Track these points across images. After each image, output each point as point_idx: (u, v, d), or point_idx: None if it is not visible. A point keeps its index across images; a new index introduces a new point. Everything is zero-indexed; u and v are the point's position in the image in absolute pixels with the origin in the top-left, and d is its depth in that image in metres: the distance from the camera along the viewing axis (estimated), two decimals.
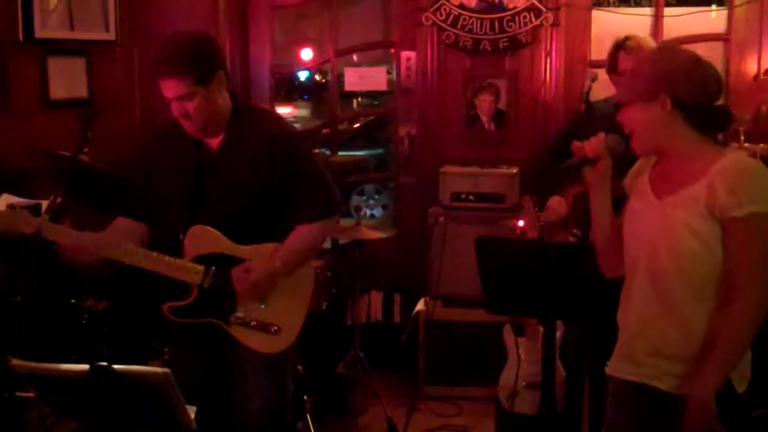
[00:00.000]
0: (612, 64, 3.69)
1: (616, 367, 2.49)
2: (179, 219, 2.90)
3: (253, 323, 2.91)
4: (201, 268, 2.88)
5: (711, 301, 2.27)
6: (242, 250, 2.90)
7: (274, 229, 2.96)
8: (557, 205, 3.76)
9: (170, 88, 2.79)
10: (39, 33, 4.54)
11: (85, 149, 3.15)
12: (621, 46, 3.65)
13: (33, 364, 2.11)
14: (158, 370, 2.05)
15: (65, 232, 2.82)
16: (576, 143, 2.50)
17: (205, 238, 2.89)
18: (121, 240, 2.89)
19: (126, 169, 3.24)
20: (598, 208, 2.54)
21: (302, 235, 2.97)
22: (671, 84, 2.28)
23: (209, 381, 2.97)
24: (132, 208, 3.04)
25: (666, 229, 2.30)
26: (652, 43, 3.71)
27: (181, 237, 2.88)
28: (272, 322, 2.93)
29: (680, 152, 2.34)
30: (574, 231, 3.78)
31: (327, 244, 5.33)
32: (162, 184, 2.97)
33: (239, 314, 2.91)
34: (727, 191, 2.20)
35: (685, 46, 4.65)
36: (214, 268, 2.88)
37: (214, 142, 2.94)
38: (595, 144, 2.47)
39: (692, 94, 2.28)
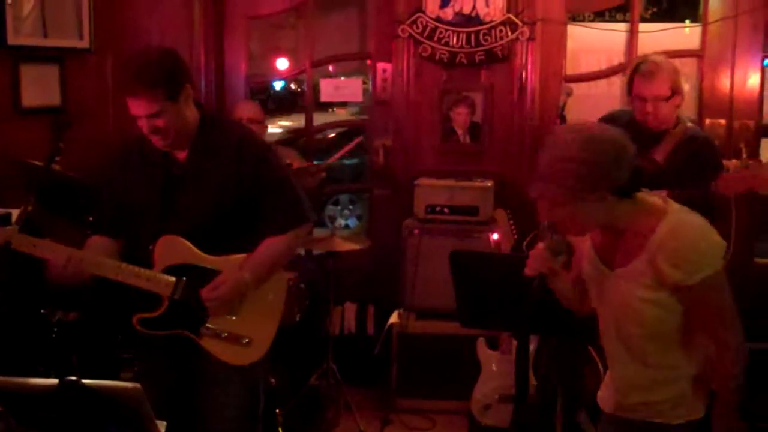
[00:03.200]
0: (629, 87, 3.71)
1: (605, 399, 2.57)
2: (150, 230, 2.91)
3: (225, 335, 2.90)
4: (172, 279, 2.87)
5: (685, 344, 2.35)
6: (212, 261, 2.91)
7: (244, 240, 2.95)
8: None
9: (139, 107, 2.77)
10: (12, 40, 4.50)
11: (58, 158, 3.12)
12: (636, 70, 3.66)
13: (1, 378, 2.07)
14: (128, 384, 2.02)
15: (34, 243, 2.81)
16: (526, 271, 2.50)
17: (175, 248, 2.89)
18: (94, 253, 2.89)
19: (96, 181, 3.21)
20: (560, 295, 2.61)
21: (271, 246, 2.96)
22: (608, 177, 2.22)
23: (178, 394, 2.95)
24: (105, 226, 3.03)
25: (624, 303, 2.34)
26: (668, 64, 3.66)
27: (151, 248, 2.88)
28: (243, 333, 2.92)
29: (619, 226, 2.33)
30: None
31: (301, 253, 5.32)
32: (131, 197, 2.96)
33: (210, 326, 2.90)
34: (672, 267, 2.21)
35: None
36: (184, 279, 2.88)
37: (182, 155, 2.94)
38: (534, 263, 2.49)
39: (625, 175, 2.23)
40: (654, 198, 2.34)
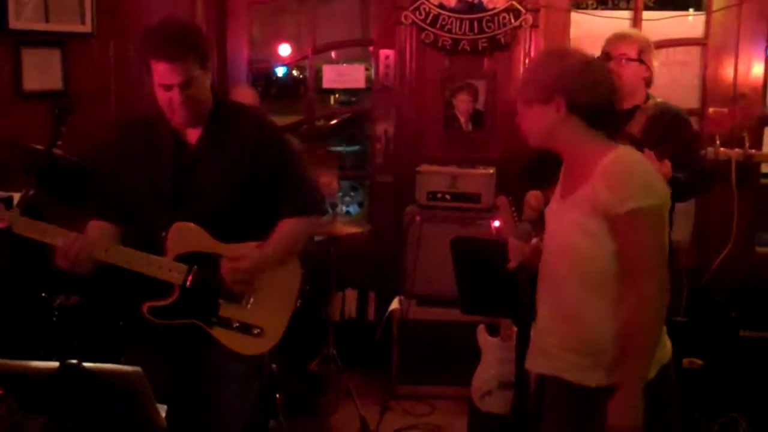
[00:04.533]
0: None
1: (531, 361, 2.60)
2: (161, 216, 2.79)
3: (236, 324, 2.83)
4: (184, 267, 2.78)
5: (610, 295, 2.34)
6: (225, 249, 2.80)
7: (255, 228, 2.86)
8: (534, 199, 3.71)
9: (174, 74, 2.64)
10: (13, 24, 4.50)
11: (59, 143, 3.10)
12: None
13: (1, 361, 2.08)
14: (129, 368, 2.03)
15: (43, 228, 2.71)
16: (510, 265, 2.68)
17: (188, 235, 2.79)
18: (102, 239, 2.78)
19: (95, 164, 3.10)
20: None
21: (290, 227, 2.90)
22: (565, 87, 2.34)
23: (173, 386, 2.83)
24: (106, 211, 2.88)
25: (560, 230, 2.42)
26: (641, 35, 3.80)
27: (164, 235, 2.77)
28: (255, 323, 2.84)
29: (574, 151, 2.42)
30: None
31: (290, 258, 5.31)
32: (139, 181, 2.83)
33: (222, 315, 2.82)
34: (607, 189, 2.28)
35: (660, 51, 4.70)
36: (196, 267, 2.79)
37: (194, 135, 2.83)
38: (514, 255, 2.66)
39: (584, 95, 2.34)
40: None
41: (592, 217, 2.31)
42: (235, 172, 2.81)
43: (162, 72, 2.65)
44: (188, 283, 2.78)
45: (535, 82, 2.41)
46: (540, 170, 3.87)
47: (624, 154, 2.36)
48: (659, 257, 2.30)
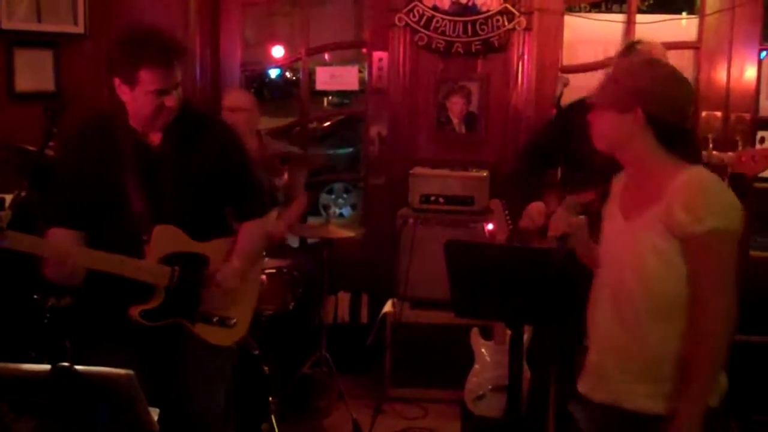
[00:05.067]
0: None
1: (588, 386, 2.48)
2: (139, 219, 2.82)
3: (215, 319, 2.95)
4: (168, 269, 2.84)
5: (678, 322, 2.26)
6: (200, 247, 2.93)
7: (217, 224, 3.04)
8: (536, 213, 3.67)
9: (169, 78, 2.74)
10: (5, 24, 4.49)
11: (51, 144, 3.08)
12: (631, 48, 3.65)
13: None
14: (121, 371, 2.01)
15: (35, 242, 2.66)
16: (549, 233, 2.62)
17: (168, 237, 2.86)
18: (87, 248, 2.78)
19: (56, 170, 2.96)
20: (582, 255, 2.62)
21: (253, 233, 3.08)
22: (648, 100, 2.28)
23: (150, 384, 2.84)
24: (67, 216, 2.84)
25: (631, 250, 2.32)
26: (661, 50, 3.66)
27: (145, 237, 2.82)
28: (230, 315, 2.98)
29: (644, 166, 2.35)
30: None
31: (295, 243, 5.31)
32: (105, 184, 2.83)
33: (204, 311, 2.93)
34: (684, 208, 2.20)
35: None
36: (178, 268, 2.86)
37: (156, 138, 2.88)
38: (560, 224, 2.59)
39: (666, 112, 2.28)
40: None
41: (664, 238, 2.23)
42: (200, 173, 2.91)
43: (158, 78, 2.72)
44: (172, 285, 2.86)
45: (619, 86, 2.34)
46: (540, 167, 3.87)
47: (701, 173, 2.29)
48: (729, 281, 2.24)
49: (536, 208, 3.66)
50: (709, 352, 2.22)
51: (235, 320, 2.98)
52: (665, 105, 2.28)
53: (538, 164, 3.96)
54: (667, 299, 2.26)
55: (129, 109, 2.82)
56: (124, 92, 2.78)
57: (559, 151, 3.79)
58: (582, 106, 3.10)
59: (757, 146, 3.57)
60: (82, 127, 2.96)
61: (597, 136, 2.40)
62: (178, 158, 2.88)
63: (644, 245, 2.27)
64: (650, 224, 2.27)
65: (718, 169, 4.66)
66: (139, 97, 2.76)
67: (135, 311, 2.83)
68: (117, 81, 2.78)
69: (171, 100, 2.76)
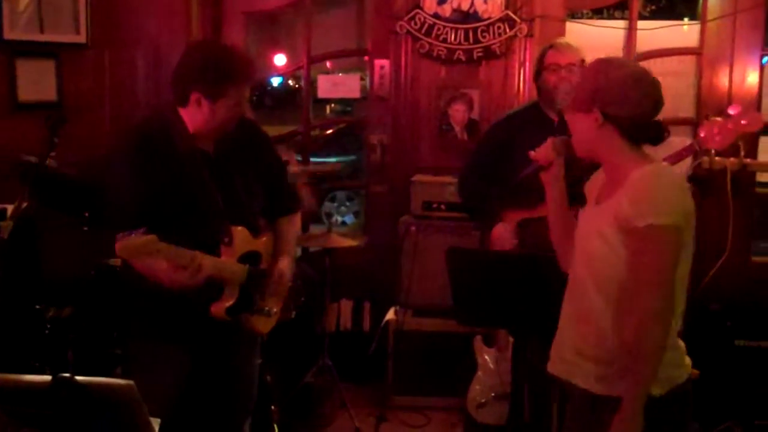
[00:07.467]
0: (537, 69, 3.79)
1: (550, 364, 2.60)
2: (217, 221, 2.93)
3: (265, 309, 3.13)
4: (246, 267, 3.02)
5: (619, 306, 2.35)
6: (258, 244, 3.10)
7: (260, 221, 3.19)
8: (506, 234, 3.67)
9: (248, 91, 2.93)
10: (7, 34, 4.50)
11: (52, 154, 3.10)
12: (550, 46, 3.76)
13: None
14: (122, 382, 2.01)
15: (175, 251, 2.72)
16: (531, 153, 2.71)
17: (243, 237, 3.01)
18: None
19: (109, 174, 2.91)
20: (552, 207, 2.72)
21: (290, 226, 3.27)
22: (604, 100, 2.37)
23: (197, 373, 3.01)
24: (140, 221, 2.72)
25: (585, 234, 2.45)
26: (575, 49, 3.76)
27: (227, 239, 2.94)
28: (272, 306, 3.16)
29: (611, 161, 2.44)
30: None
31: (297, 252, 5.31)
32: (178, 188, 2.87)
33: (264, 305, 3.11)
34: (630, 202, 2.29)
35: (655, 60, 4.71)
36: (248, 265, 3.03)
37: (209, 146, 2.97)
38: (544, 151, 2.67)
39: (625, 109, 2.36)
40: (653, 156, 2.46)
41: (612, 226, 2.33)
42: (255, 174, 3.10)
43: (243, 92, 2.88)
44: (247, 282, 3.02)
45: (580, 89, 2.46)
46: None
47: (654, 169, 2.35)
48: (666, 275, 2.27)
49: (501, 230, 3.69)
50: (642, 344, 2.27)
51: (276, 309, 3.16)
52: (622, 104, 2.36)
53: (489, 172, 3.91)
54: (611, 283, 2.35)
55: (198, 120, 2.87)
56: (202, 105, 2.83)
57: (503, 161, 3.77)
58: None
59: (718, 118, 3.56)
60: (145, 131, 2.94)
61: (574, 142, 2.52)
62: (235, 162, 3.03)
63: (595, 230, 2.38)
64: (604, 212, 2.38)
65: (720, 174, 4.69)
66: (219, 109, 2.84)
67: (219, 309, 2.95)
68: (196, 95, 2.81)
69: (244, 110, 2.94)
